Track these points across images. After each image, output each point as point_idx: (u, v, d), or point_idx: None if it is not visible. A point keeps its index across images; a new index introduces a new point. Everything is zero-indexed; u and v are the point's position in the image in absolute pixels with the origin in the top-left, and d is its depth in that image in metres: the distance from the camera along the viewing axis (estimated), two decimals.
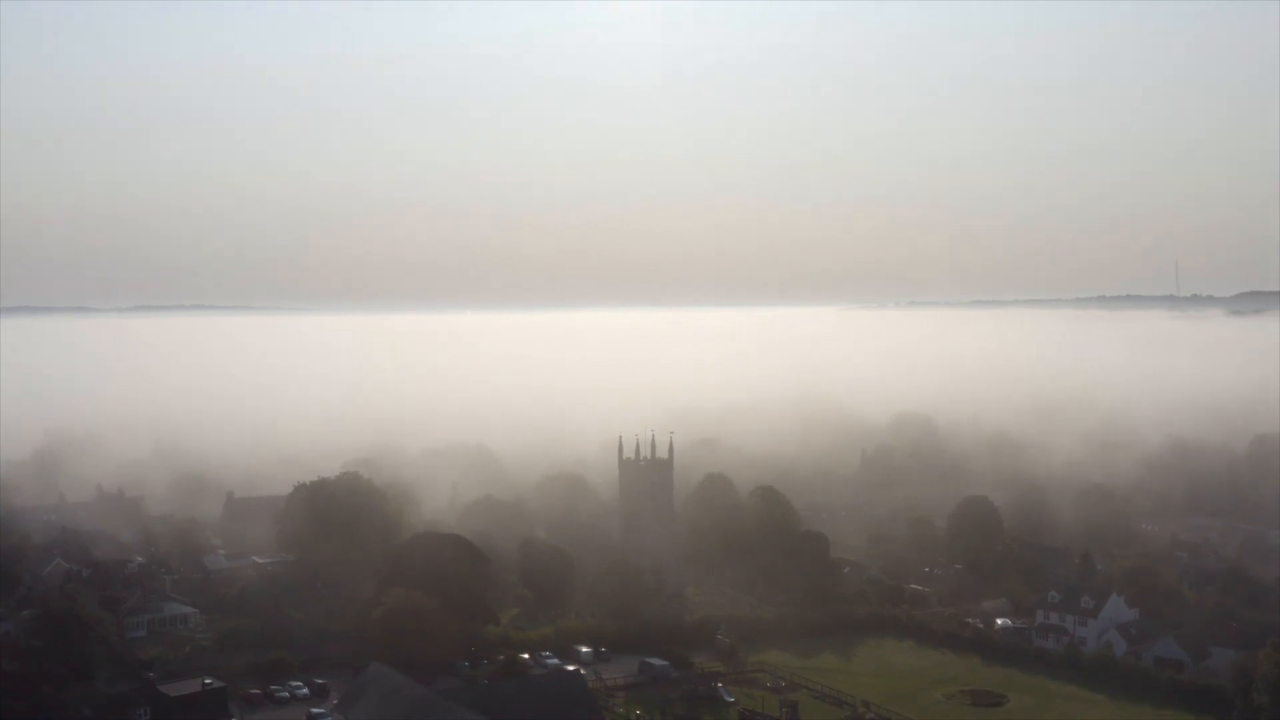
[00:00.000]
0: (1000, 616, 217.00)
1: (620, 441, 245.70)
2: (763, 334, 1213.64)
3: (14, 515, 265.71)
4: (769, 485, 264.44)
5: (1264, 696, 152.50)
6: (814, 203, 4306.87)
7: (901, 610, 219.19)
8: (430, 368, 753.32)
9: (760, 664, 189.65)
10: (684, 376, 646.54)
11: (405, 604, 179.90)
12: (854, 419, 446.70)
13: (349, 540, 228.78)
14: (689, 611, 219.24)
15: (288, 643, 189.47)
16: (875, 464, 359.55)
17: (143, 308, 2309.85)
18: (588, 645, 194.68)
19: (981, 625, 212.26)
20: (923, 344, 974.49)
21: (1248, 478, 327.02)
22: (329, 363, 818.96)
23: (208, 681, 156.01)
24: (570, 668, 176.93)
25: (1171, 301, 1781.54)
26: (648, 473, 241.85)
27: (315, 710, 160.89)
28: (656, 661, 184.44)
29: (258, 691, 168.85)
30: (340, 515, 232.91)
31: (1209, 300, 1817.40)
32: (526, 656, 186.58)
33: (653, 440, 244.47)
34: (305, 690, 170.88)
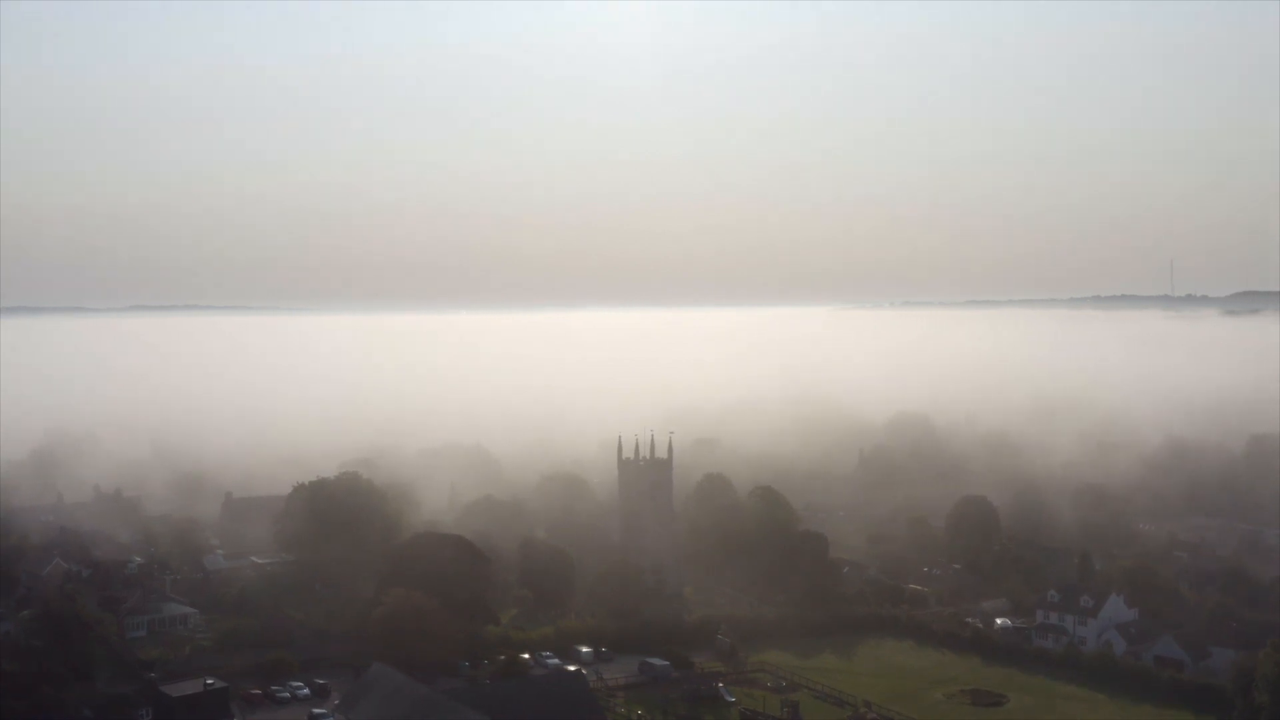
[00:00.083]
0: (999, 616, 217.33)
1: (620, 441, 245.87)
2: (758, 334, 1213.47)
3: (12, 515, 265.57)
4: (768, 485, 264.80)
5: (1264, 696, 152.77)
6: (809, 203, 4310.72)
7: (901, 610, 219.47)
8: (428, 368, 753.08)
9: (761, 664, 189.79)
10: (680, 376, 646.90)
11: (406, 604, 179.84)
12: (851, 419, 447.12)
13: (349, 540, 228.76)
14: (688, 611, 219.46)
15: (288, 643, 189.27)
16: (873, 464, 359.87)
17: (139, 308, 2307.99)
18: (588, 645, 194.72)
19: (981, 625, 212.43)
20: (918, 344, 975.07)
21: (1245, 477, 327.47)
22: (326, 363, 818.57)
23: (209, 682, 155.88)
24: (571, 668, 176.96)
25: (1166, 301, 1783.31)
26: (647, 473, 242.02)
27: (317, 710, 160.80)
28: (657, 661, 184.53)
29: (258, 692, 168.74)
30: (340, 515, 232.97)
31: (1204, 300, 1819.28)
32: (527, 656, 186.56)
33: (652, 440, 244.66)
34: (306, 690, 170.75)
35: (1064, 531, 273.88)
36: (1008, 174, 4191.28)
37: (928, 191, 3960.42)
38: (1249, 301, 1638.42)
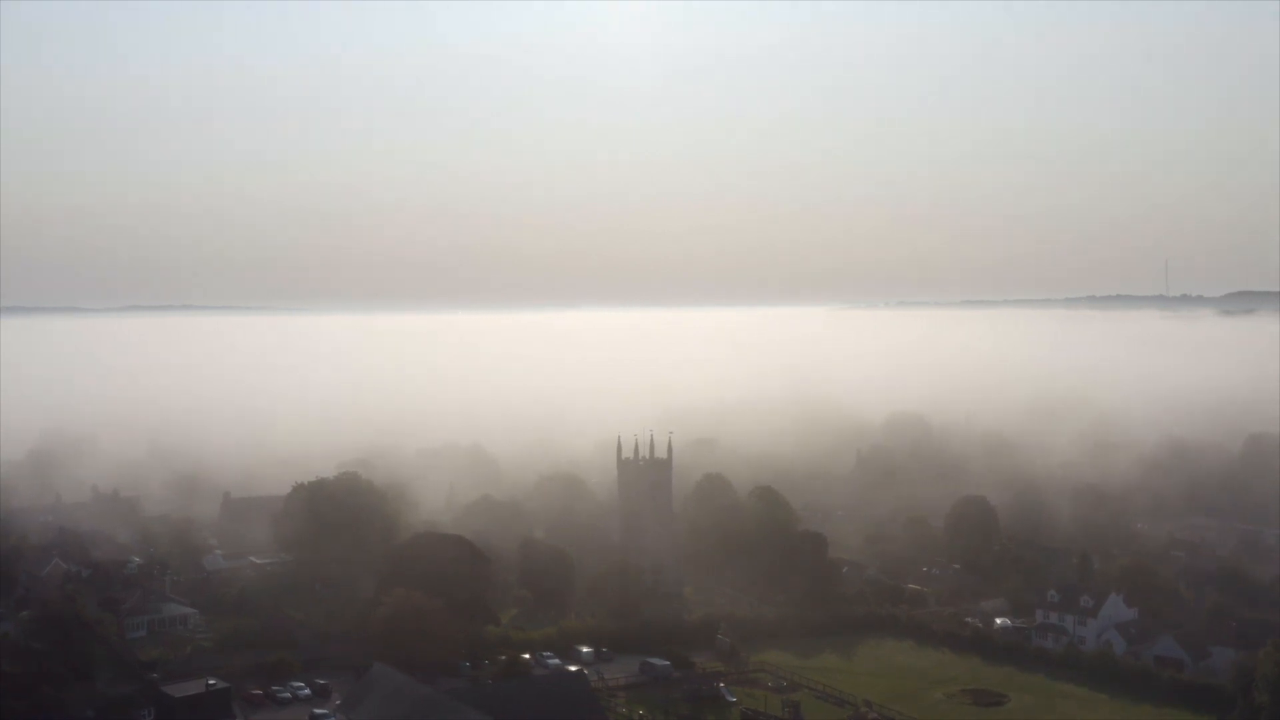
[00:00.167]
0: (999, 616, 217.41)
1: (619, 441, 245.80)
2: (755, 334, 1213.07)
3: (10, 515, 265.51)
4: (767, 485, 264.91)
5: (1265, 696, 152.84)
6: (807, 203, 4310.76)
7: (900, 610, 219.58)
8: (426, 368, 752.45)
9: (761, 664, 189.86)
10: (678, 376, 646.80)
11: (407, 604, 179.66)
12: (848, 419, 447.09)
13: (348, 540, 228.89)
14: (688, 611, 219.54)
15: (289, 643, 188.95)
16: (871, 464, 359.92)
17: (135, 308, 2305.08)
18: (588, 645, 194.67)
19: (980, 625, 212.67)
20: (915, 344, 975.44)
21: (1242, 477, 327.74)
22: (324, 363, 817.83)
23: (211, 682, 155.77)
24: (572, 668, 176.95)
25: (1162, 301, 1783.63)
26: (647, 473, 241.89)
27: (318, 711, 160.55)
28: (658, 661, 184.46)
29: (259, 692, 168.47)
30: (339, 515, 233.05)
31: (1199, 300, 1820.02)
32: (527, 657, 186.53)
33: (651, 440, 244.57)
34: (307, 691, 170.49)
35: (1062, 531, 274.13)
36: (1004, 174, 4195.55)
37: (924, 192, 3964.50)
38: (1244, 301, 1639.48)
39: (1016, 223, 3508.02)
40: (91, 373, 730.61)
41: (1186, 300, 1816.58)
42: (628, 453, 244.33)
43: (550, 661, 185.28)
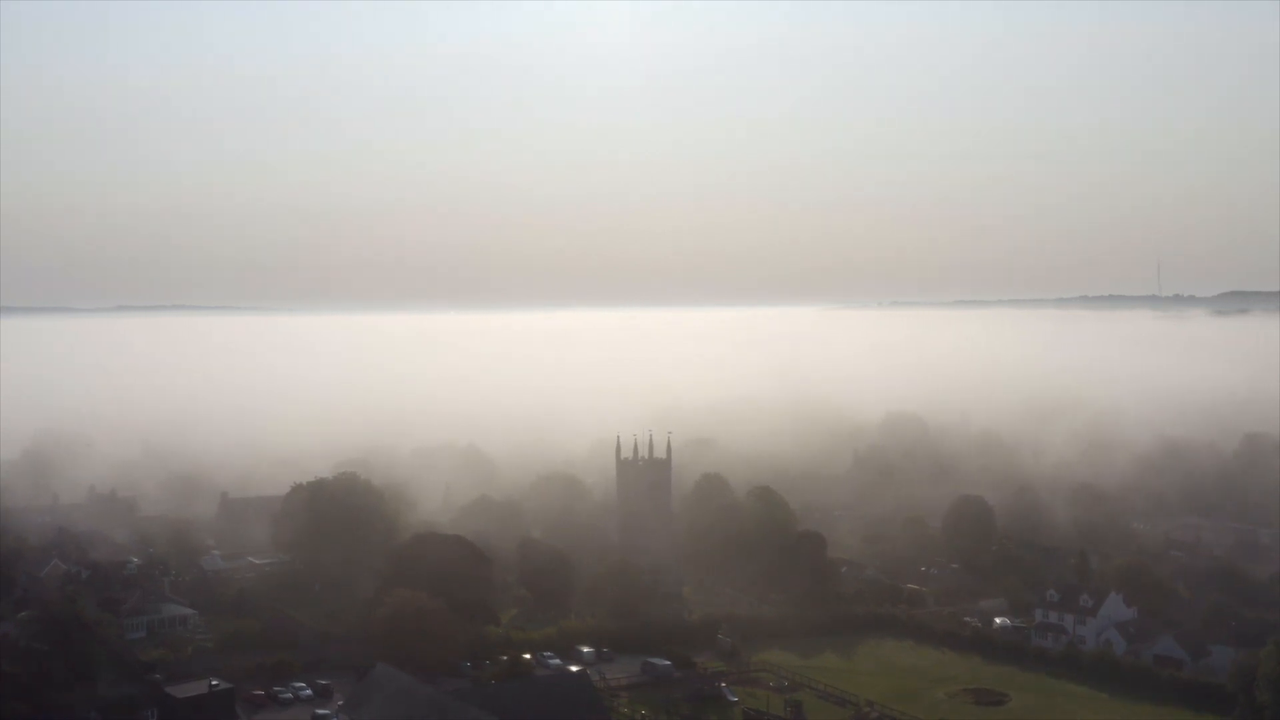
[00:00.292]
0: (998, 616, 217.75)
1: (618, 441, 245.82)
2: (746, 334, 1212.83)
3: (8, 516, 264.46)
4: (765, 485, 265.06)
5: (1266, 695, 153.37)
6: (797, 203, 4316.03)
7: (900, 610, 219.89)
8: (419, 368, 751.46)
9: (762, 663, 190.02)
10: (670, 376, 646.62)
11: (408, 605, 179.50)
12: (844, 419, 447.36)
13: (348, 541, 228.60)
14: (688, 611, 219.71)
15: (289, 644, 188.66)
16: (867, 464, 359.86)
17: (126, 308, 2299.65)
18: (589, 645, 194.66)
19: (980, 624, 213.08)
20: (908, 344, 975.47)
21: (1238, 477, 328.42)
22: (317, 363, 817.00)
23: (214, 683, 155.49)
24: (574, 668, 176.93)
25: (1154, 301, 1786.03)
26: (646, 473, 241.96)
27: (320, 712, 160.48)
28: (659, 661, 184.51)
29: (261, 693, 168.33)
30: (339, 516, 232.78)
31: (1191, 300, 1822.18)
32: (528, 657, 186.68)
33: (650, 440, 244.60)
34: (309, 692, 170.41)
35: (1060, 531, 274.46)
36: (996, 175, 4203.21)
37: (916, 192, 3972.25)
38: (1237, 301, 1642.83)
39: (1008, 223, 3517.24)
40: (85, 373, 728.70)
41: (1179, 300, 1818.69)
42: (626, 453, 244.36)
43: (551, 662, 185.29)
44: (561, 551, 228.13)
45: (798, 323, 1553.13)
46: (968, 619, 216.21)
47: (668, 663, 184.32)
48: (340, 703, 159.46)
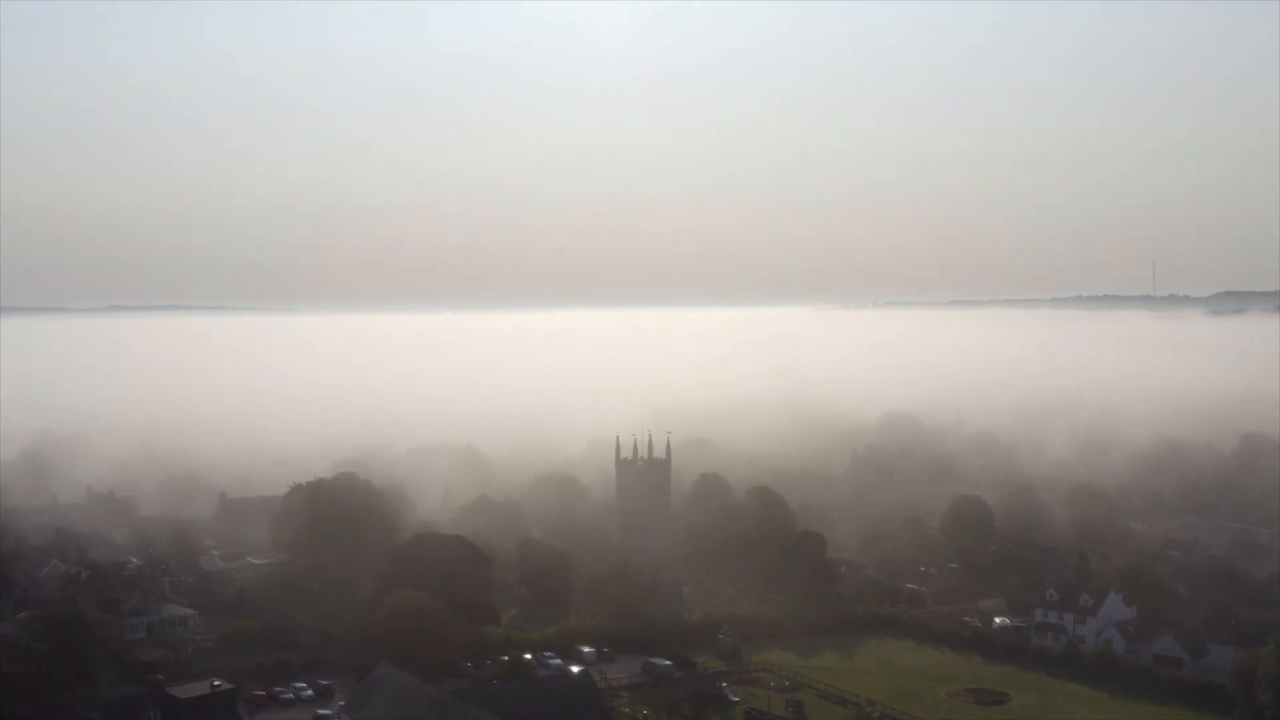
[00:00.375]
0: (997, 615, 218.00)
1: (618, 442, 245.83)
2: (739, 334, 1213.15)
3: (7, 516, 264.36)
4: (765, 485, 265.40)
5: (1267, 694, 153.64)
6: (790, 203, 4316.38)
7: (900, 610, 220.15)
8: (416, 368, 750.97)
9: (763, 663, 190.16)
10: (666, 376, 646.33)
11: (409, 605, 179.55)
12: (841, 419, 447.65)
13: (348, 541, 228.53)
14: (688, 611, 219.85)
15: (290, 644, 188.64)
16: (865, 464, 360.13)
17: (120, 308, 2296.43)
18: (590, 645, 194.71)
19: (979, 624, 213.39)
20: (903, 344, 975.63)
21: (1235, 477, 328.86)
22: (313, 363, 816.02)
23: (217, 683, 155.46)
24: (575, 668, 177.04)
25: (1149, 301, 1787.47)
26: (645, 473, 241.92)
27: (321, 712, 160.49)
28: (660, 661, 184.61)
29: (262, 693, 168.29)
30: (339, 516, 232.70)
31: (1186, 300, 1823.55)
32: (529, 657, 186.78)
33: (649, 440, 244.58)
34: (310, 692, 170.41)
35: (1058, 531, 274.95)
36: (989, 174, 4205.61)
37: (910, 191, 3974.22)
38: (1232, 301, 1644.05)
39: (1003, 223, 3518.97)
40: (81, 373, 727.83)
41: (1174, 300, 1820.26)
42: (625, 453, 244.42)
43: (552, 662, 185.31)
44: (561, 551, 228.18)
45: (792, 323, 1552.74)
46: (967, 619, 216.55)
47: (669, 663, 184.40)
48: (342, 703, 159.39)
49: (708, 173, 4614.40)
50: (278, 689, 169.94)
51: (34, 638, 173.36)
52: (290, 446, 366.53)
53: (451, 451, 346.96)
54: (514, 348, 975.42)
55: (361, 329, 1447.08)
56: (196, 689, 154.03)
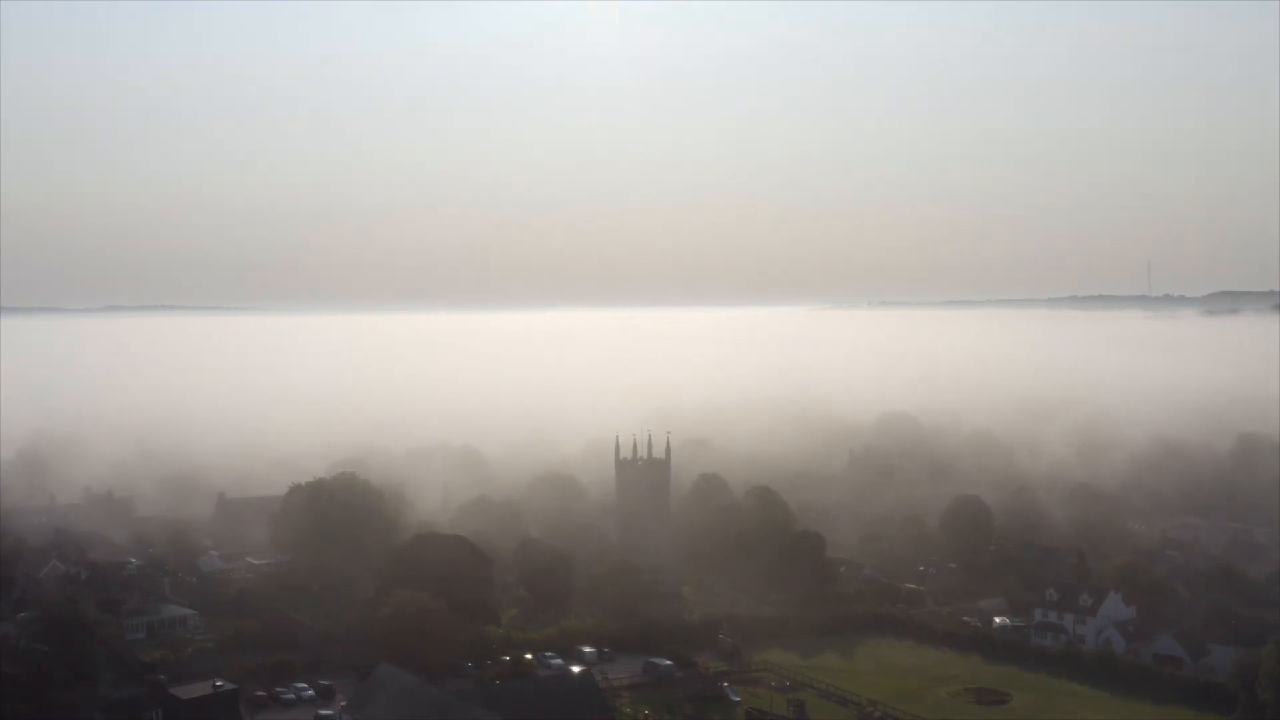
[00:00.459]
0: (997, 615, 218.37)
1: (617, 442, 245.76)
2: (735, 334, 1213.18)
3: (6, 517, 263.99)
4: (764, 485, 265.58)
5: (1268, 693, 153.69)
6: (785, 203, 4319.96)
7: (900, 609, 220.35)
8: (412, 368, 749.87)
9: (764, 663, 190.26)
10: (662, 376, 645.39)
11: (410, 605, 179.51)
12: (837, 418, 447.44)
13: (347, 541, 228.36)
14: (688, 611, 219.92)
15: (290, 644, 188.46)
16: (863, 464, 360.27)
17: (115, 308, 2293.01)
18: (590, 645, 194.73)
19: (979, 624, 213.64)
20: (899, 344, 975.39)
21: (1232, 477, 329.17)
22: (309, 363, 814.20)
23: (219, 684, 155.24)
24: (576, 668, 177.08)
25: (1144, 301, 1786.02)
26: (645, 473, 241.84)
27: (323, 712, 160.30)
28: (661, 661, 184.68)
29: (263, 693, 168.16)
30: (339, 516, 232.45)
31: (1181, 300, 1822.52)
32: (530, 657, 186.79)
33: (649, 440, 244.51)
34: (311, 692, 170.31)
35: (1057, 531, 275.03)
36: (985, 174, 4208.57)
37: (904, 191, 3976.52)
38: (1227, 301, 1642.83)
39: (998, 222, 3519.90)
40: (77, 373, 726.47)
41: (1169, 300, 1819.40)
42: (625, 453, 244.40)
43: (553, 662, 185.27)
44: (561, 551, 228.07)
45: (787, 323, 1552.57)
46: (967, 619, 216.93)
47: (669, 663, 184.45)
48: (344, 703, 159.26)
49: (707, 173, 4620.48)
50: (279, 689, 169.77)
51: (34, 638, 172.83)
52: (288, 446, 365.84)
53: (449, 451, 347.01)
54: (513, 348, 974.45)
55: (361, 329, 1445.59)
56: (198, 689, 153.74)
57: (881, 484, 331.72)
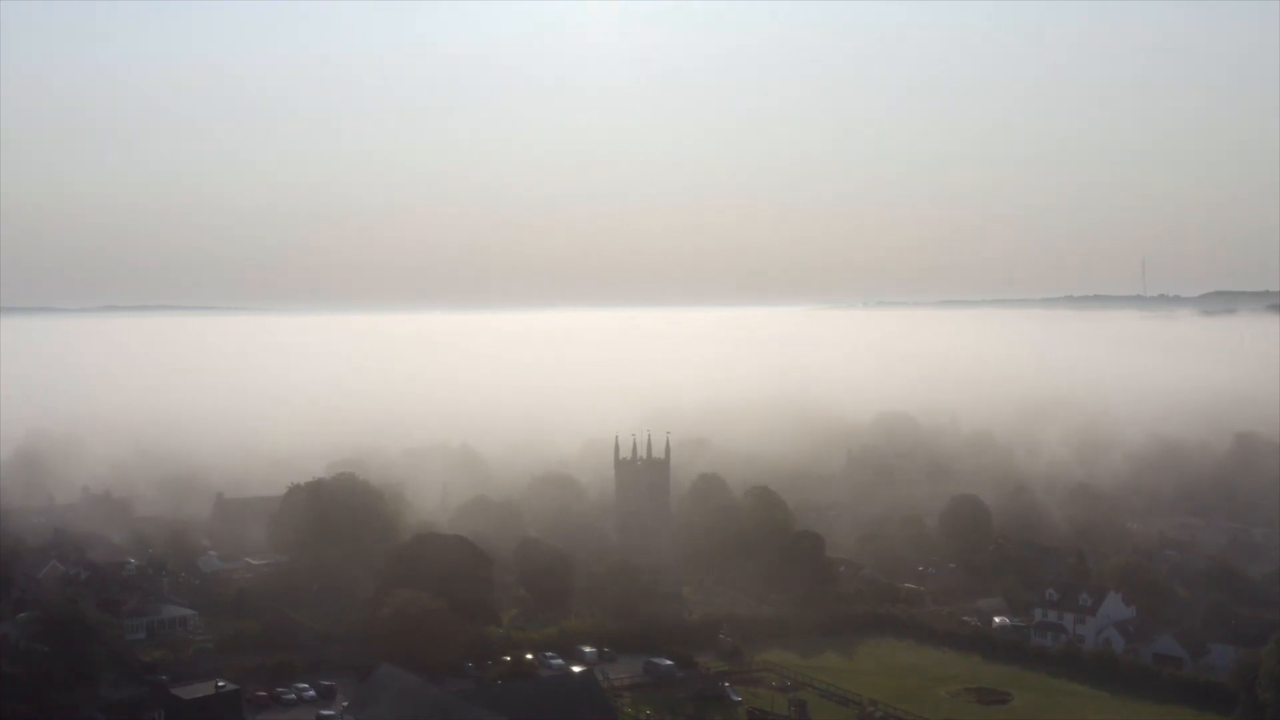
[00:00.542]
0: (996, 615, 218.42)
1: (616, 442, 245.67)
2: (731, 334, 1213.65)
3: (4, 517, 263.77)
4: (763, 485, 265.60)
5: (1269, 693, 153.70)
6: (780, 203, 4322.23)
7: (899, 609, 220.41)
8: (415, 368, 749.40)
9: (765, 663, 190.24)
10: (659, 376, 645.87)
11: (412, 605, 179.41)
12: (835, 418, 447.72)
13: (347, 541, 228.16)
14: (688, 611, 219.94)
15: (291, 645, 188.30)
16: (861, 463, 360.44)
17: (112, 308, 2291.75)
18: (591, 645, 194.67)
19: (979, 624, 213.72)
20: (895, 344, 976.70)
21: (1230, 477, 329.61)
22: (306, 363, 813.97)
23: (221, 684, 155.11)
24: (577, 668, 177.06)
25: (1140, 301, 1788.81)
26: (645, 473, 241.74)
27: (324, 713, 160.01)
28: (662, 661, 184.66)
29: (264, 694, 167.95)
30: (338, 516, 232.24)
31: (1176, 300, 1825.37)
32: (530, 657, 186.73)
33: (648, 440, 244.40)
34: (312, 693, 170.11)
35: (1054, 530, 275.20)
36: (980, 174, 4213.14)
37: (899, 192, 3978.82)
38: (1222, 301, 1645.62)
39: (993, 223, 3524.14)
40: (74, 373, 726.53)
41: (1164, 300, 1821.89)
42: (624, 453, 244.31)
43: (554, 662, 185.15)
44: (561, 551, 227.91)
45: (783, 323, 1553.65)
46: (966, 618, 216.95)
47: (670, 663, 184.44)
48: (345, 704, 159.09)
49: (707, 173, 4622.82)
50: (280, 690, 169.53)
51: (34, 638, 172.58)
52: (286, 447, 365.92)
53: (447, 451, 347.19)
54: (512, 348, 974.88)
55: (360, 329, 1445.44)
56: (200, 690, 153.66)
57: (880, 484, 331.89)
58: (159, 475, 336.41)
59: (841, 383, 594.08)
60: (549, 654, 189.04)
